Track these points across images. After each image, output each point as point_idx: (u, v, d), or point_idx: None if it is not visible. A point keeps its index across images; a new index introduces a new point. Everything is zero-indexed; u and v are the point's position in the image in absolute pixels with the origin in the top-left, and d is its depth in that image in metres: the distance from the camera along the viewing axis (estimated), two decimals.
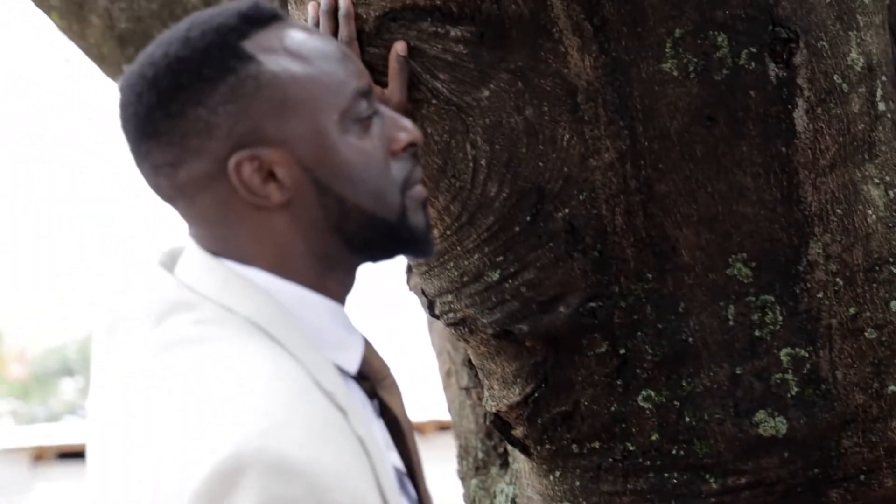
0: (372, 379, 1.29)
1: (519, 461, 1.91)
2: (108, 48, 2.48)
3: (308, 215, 1.23)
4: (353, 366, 1.27)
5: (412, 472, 1.30)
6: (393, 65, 1.58)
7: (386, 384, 1.30)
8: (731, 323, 1.65)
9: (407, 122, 1.29)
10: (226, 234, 1.24)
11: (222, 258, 1.24)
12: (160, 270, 1.26)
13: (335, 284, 1.27)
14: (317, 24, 1.61)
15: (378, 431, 1.27)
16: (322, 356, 1.21)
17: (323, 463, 1.09)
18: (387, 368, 1.31)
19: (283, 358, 1.17)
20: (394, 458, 1.28)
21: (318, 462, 1.09)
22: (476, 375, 2.38)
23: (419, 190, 1.29)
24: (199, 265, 1.24)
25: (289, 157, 1.21)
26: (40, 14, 2.54)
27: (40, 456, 12.80)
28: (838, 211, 1.65)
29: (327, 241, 1.24)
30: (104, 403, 1.23)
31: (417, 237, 1.29)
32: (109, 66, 2.51)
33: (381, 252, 1.29)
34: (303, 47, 1.23)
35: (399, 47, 1.58)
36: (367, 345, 1.29)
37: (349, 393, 1.22)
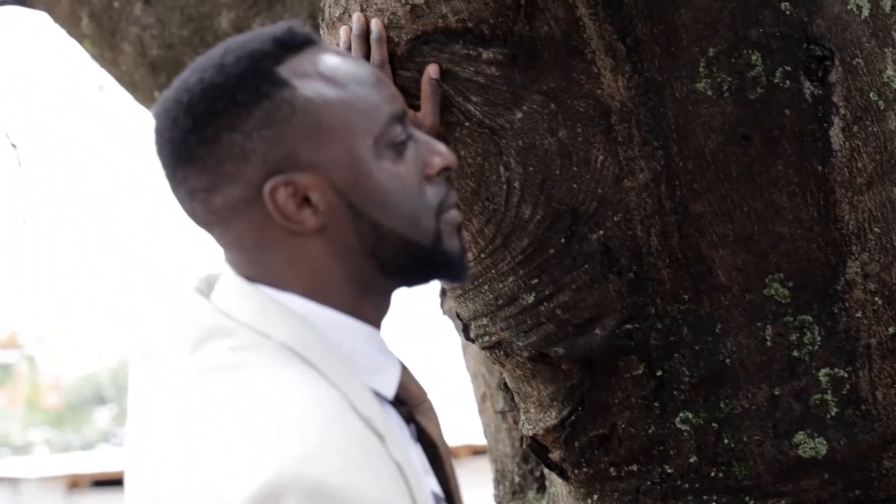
0: (409, 404, 1.28)
1: (556, 485, 1.90)
2: (140, 75, 2.49)
3: (343, 240, 1.23)
4: (389, 390, 1.26)
5: (450, 498, 1.30)
6: (425, 88, 1.58)
7: (423, 409, 1.29)
8: (768, 343, 1.64)
9: (441, 147, 1.29)
10: (261, 260, 1.24)
11: (258, 283, 1.23)
12: (196, 296, 1.26)
13: (371, 309, 1.27)
14: (349, 48, 1.61)
15: (415, 456, 1.26)
16: (359, 381, 1.21)
17: (361, 489, 1.09)
18: (424, 393, 1.30)
19: (319, 383, 1.17)
20: (432, 484, 1.28)
21: (355, 488, 1.09)
22: (512, 399, 2.37)
23: (454, 214, 1.29)
24: (235, 291, 1.24)
25: (323, 181, 1.21)
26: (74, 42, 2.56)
27: (75, 484, 12.85)
28: (876, 229, 1.64)
29: (362, 266, 1.24)
30: (141, 430, 1.23)
31: (452, 261, 1.29)
32: (141, 93, 2.52)
33: (415, 277, 1.29)
34: (337, 72, 1.23)
35: (431, 70, 1.58)
36: (404, 369, 1.29)
37: (386, 418, 1.21)
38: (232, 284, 1.25)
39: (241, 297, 1.23)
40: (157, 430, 1.20)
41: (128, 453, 1.24)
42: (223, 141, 1.20)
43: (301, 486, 1.07)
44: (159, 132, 1.23)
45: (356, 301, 1.25)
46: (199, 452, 1.14)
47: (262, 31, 1.24)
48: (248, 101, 1.20)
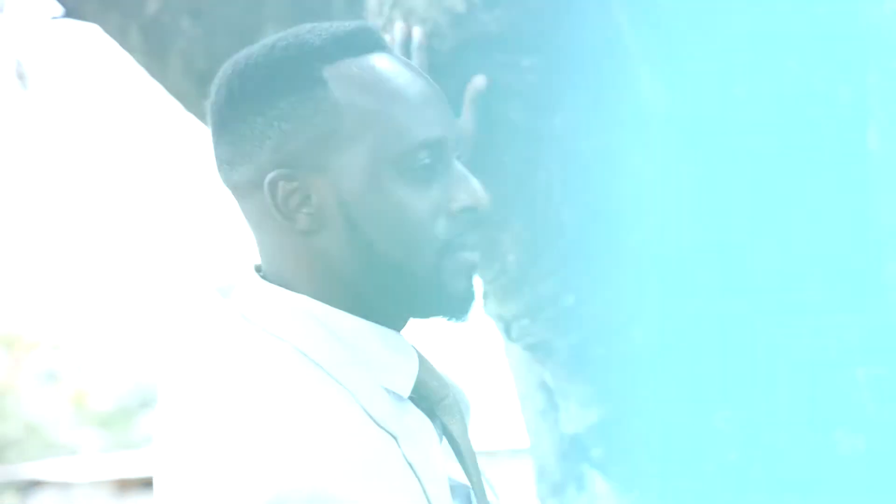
0: (430, 399, 1.28)
1: (596, 482, 1.92)
2: (188, 87, 2.52)
3: (337, 249, 1.21)
4: (405, 389, 1.23)
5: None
6: (467, 95, 1.61)
7: (445, 404, 1.27)
8: (806, 342, 1.65)
9: (474, 186, 1.23)
10: (264, 244, 1.24)
11: (270, 276, 1.22)
12: (216, 297, 1.27)
13: (381, 317, 1.23)
14: None
15: (439, 452, 1.24)
16: (371, 381, 1.19)
17: (365, 498, 1.09)
18: (445, 388, 1.27)
19: (330, 388, 1.16)
20: (457, 474, 1.26)
21: (359, 498, 1.08)
22: (552, 398, 2.38)
23: (466, 256, 1.23)
24: (251, 291, 1.23)
25: (328, 187, 1.19)
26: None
27: (125, 486, 12.90)
28: None
29: (358, 281, 1.21)
30: (164, 433, 1.24)
31: (450, 301, 1.24)
32: (189, 104, 2.55)
33: (410, 306, 1.24)
34: (380, 83, 1.21)
35: (478, 81, 1.60)
36: (423, 365, 1.26)
37: (402, 416, 1.20)
38: (248, 283, 1.23)
39: (257, 297, 1.22)
40: (173, 435, 1.19)
41: (154, 459, 1.25)
42: (248, 121, 1.20)
43: (304, 495, 1.07)
44: (210, 97, 1.24)
45: (361, 306, 1.22)
46: (207, 460, 1.13)
47: (329, 25, 1.22)
48: (278, 89, 1.19)
